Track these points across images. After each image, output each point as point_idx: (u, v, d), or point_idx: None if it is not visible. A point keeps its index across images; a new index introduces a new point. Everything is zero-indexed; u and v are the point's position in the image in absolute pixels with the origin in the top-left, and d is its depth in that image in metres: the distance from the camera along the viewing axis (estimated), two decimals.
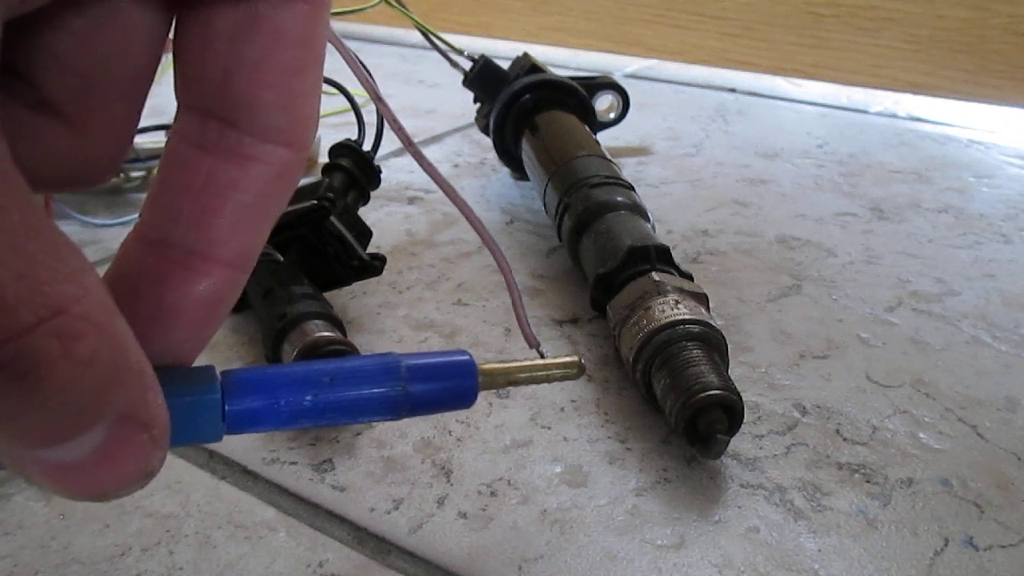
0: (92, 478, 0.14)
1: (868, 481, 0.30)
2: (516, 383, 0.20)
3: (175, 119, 0.16)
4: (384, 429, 0.33)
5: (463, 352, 0.19)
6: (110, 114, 0.15)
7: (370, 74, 0.28)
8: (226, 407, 0.17)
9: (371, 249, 0.41)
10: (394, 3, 0.56)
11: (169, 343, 0.16)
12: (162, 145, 0.54)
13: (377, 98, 0.26)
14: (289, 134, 0.16)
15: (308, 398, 0.17)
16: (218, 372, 0.17)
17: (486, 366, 0.19)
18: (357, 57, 0.27)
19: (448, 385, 0.19)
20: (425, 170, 0.25)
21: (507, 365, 0.20)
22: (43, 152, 0.15)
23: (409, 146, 0.25)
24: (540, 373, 0.21)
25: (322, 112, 0.17)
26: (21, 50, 0.14)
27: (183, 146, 0.16)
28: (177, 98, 0.16)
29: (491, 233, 0.24)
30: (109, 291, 0.13)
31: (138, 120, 0.16)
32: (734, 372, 0.34)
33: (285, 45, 0.15)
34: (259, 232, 0.17)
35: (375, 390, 0.18)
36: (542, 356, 0.22)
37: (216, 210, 0.16)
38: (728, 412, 0.30)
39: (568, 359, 0.21)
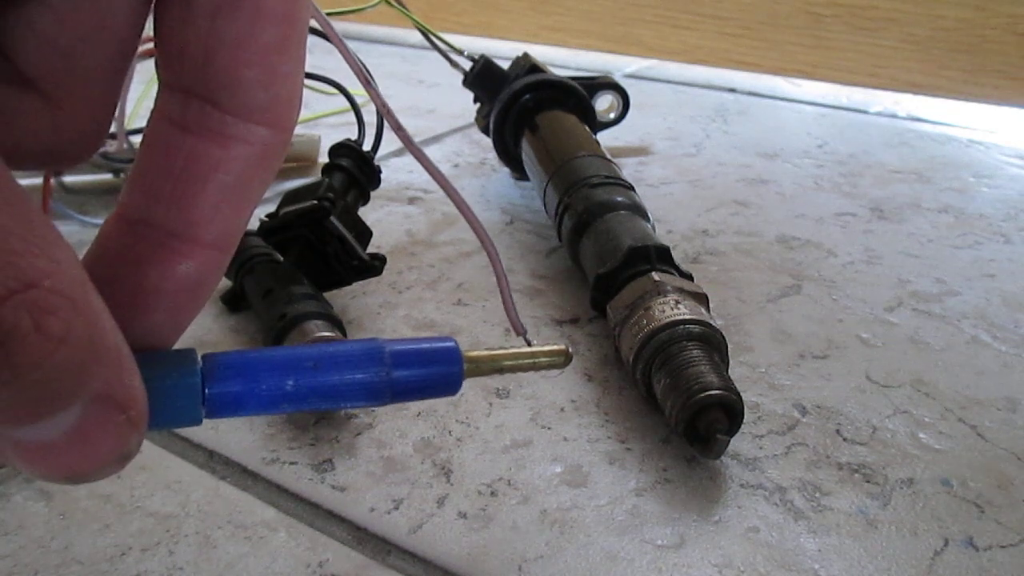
0: (67, 459, 0.13)
1: (868, 481, 0.30)
2: (502, 370, 0.20)
3: (156, 98, 0.16)
4: (384, 429, 0.33)
5: (448, 339, 0.19)
6: (89, 91, 0.15)
7: (366, 68, 0.28)
8: (206, 391, 0.16)
9: (371, 249, 0.41)
10: (394, 3, 0.56)
11: (149, 325, 0.16)
12: None
13: (366, 82, 0.26)
14: (271, 114, 0.16)
15: (290, 383, 0.17)
16: (199, 355, 0.17)
17: (471, 353, 0.19)
18: (338, 39, 0.27)
19: (432, 371, 0.18)
20: (399, 137, 0.25)
21: (493, 352, 0.20)
22: (20, 128, 0.14)
23: (399, 131, 0.25)
24: (526, 361, 0.20)
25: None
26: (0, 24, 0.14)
27: (164, 126, 0.16)
28: (158, 77, 0.16)
29: (491, 233, 0.24)
30: (84, 268, 0.13)
31: (118, 98, 0.16)
32: (734, 372, 0.34)
33: (266, 22, 0.15)
34: (241, 213, 0.16)
35: (358, 376, 0.17)
36: (529, 344, 0.21)
37: (197, 191, 0.16)
38: (728, 412, 0.30)
39: (555, 347, 0.20)
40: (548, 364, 0.20)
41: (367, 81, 0.26)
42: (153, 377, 0.15)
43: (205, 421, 0.17)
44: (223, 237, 0.16)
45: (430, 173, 0.25)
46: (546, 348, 0.20)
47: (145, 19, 0.15)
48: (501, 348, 0.20)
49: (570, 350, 0.21)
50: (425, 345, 0.18)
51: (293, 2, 0.15)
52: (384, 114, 0.26)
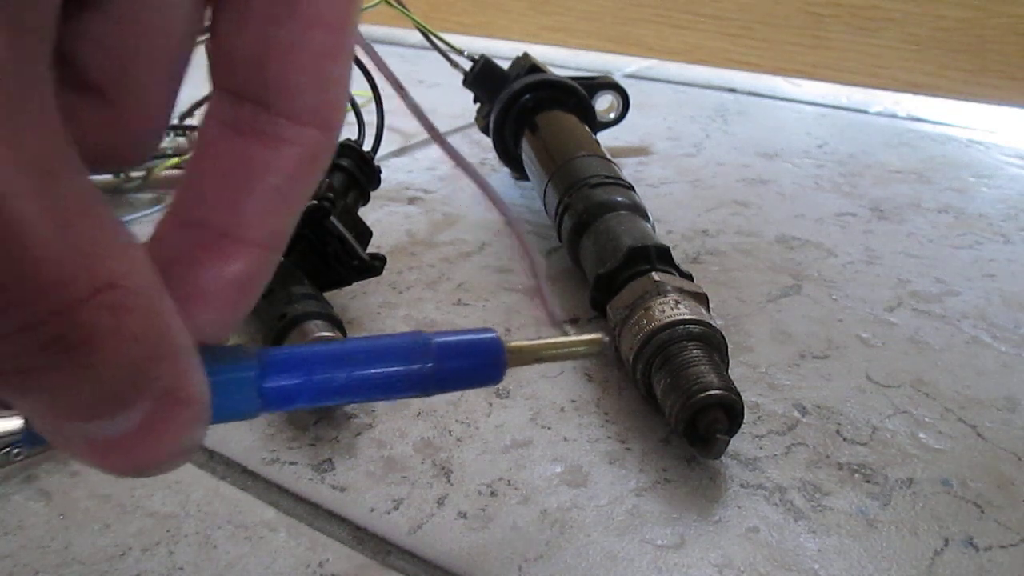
0: (135, 454, 0.14)
1: (868, 481, 0.30)
2: (542, 360, 0.20)
3: (209, 102, 0.16)
4: (384, 429, 0.33)
5: (490, 330, 0.19)
6: (148, 93, 0.15)
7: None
8: (262, 384, 0.17)
9: (371, 249, 0.41)
10: (394, 3, 0.56)
11: (202, 323, 0.16)
12: (164, 147, 0.54)
13: (398, 86, 0.26)
14: (322, 116, 0.16)
15: (341, 375, 0.18)
16: (254, 351, 0.17)
17: (513, 344, 0.19)
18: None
19: (475, 363, 0.19)
20: (432, 136, 0.25)
21: (533, 343, 0.20)
22: (83, 132, 0.15)
23: (431, 131, 0.26)
24: (565, 350, 0.21)
25: None
26: (65, 31, 0.14)
27: (217, 128, 0.16)
28: (211, 81, 0.16)
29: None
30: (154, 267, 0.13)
31: (175, 98, 0.16)
32: (734, 372, 0.34)
33: (320, 28, 0.15)
34: (290, 213, 0.17)
35: (404, 368, 0.18)
36: (566, 334, 0.22)
37: (249, 192, 0.16)
38: (728, 412, 0.30)
39: (592, 336, 0.21)
40: (585, 352, 0.21)
41: (399, 85, 0.26)
42: (212, 372, 0.15)
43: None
44: (273, 237, 0.17)
45: (461, 167, 0.25)
46: (584, 337, 0.21)
47: (200, 24, 0.16)
48: (540, 338, 0.20)
49: (606, 339, 0.21)
50: (468, 337, 0.19)
51: (346, 8, 0.16)
52: (415, 114, 0.26)
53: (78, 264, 0.12)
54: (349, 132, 0.47)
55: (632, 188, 0.44)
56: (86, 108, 0.15)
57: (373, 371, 0.18)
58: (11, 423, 0.29)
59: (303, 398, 0.17)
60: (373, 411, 0.34)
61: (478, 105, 0.58)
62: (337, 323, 0.34)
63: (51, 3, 0.12)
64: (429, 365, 0.18)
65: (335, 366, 0.18)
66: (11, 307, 0.11)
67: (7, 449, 0.29)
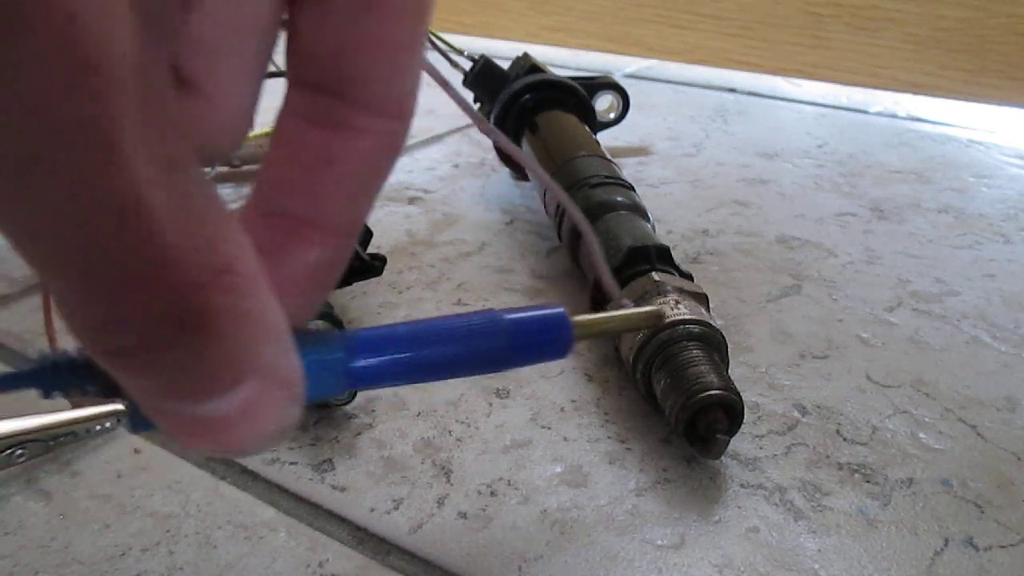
0: (239, 432, 0.14)
1: (868, 481, 0.30)
2: (604, 333, 0.21)
3: (285, 94, 0.17)
4: (384, 429, 0.33)
5: (556, 305, 0.20)
6: (239, 85, 0.16)
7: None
8: (350, 364, 0.18)
9: (371, 249, 0.41)
10: None
11: (286, 308, 0.17)
12: None
13: (443, 82, 0.27)
14: (398, 106, 0.16)
15: (423, 355, 0.18)
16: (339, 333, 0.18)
17: (578, 318, 0.20)
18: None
19: (545, 338, 0.19)
20: (481, 129, 0.25)
21: (596, 316, 0.21)
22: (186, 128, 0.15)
23: (481, 124, 0.26)
24: (625, 323, 0.22)
25: None
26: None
27: (293, 120, 0.16)
28: (288, 73, 0.16)
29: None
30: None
31: (260, 92, 0.17)
32: (734, 372, 0.34)
33: (400, 19, 0.16)
34: (367, 201, 0.17)
35: (480, 346, 0.19)
36: (623, 308, 0.22)
37: (326, 181, 0.16)
38: (728, 412, 0.30)
39: (651, 309, 0.22)
40: (645, 324, 0.22)
41: (444, 81, 0.27)
42: (302, 354, 0.16)
43: None
44: (350, 224, 0.17)
45: (509, 151, 0.25)
46: (643, 310, 0.22)
47: (282, 16, 0.16)
48: (603, 312, 0.21)
49: (664, 311, 0.21)
50: (538, 312, 0.19)
51: None
52: (461, 105, 0.26)
53: (200, 249, 0.12)
54: None
55: (632, 188, 0.44)
56: (186, 105, 0.15)
57: (452, 350, 0.18)
58: (12, 424, 0.29)
59: (387, 377, 0.18)
60: (373, 411, 0.34)
61: (478, 105, 0.58)
62: (337, 323, 0.34)
63: None
64: (503, 342, 0.19)
65: (417, 346, 0.18)
66: (141, 290, 0.12)
67: (8, 451, 0.29)
